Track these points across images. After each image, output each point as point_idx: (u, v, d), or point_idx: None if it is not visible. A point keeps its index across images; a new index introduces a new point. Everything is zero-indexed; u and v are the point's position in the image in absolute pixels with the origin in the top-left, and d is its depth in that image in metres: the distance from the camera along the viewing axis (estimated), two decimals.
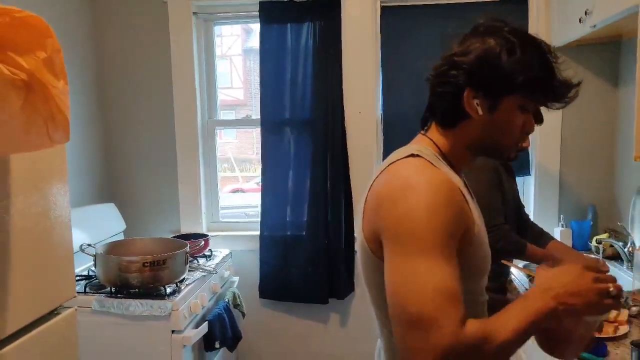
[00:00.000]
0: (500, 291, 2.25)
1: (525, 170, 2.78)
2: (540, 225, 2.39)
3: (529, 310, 0.91)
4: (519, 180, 2.86)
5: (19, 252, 1.02)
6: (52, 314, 1.14)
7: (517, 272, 2.27)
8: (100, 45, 2.96)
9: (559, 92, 1.03)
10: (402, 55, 2.80)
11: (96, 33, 2.94)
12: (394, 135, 2.84)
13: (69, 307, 1.18)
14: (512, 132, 1.06)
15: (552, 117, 2.64)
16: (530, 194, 2.79)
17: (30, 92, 0.83)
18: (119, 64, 2.97)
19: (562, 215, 2.65)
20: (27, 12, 0.85)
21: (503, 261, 2.17)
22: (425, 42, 2.77)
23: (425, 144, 1.09)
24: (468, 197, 1.05)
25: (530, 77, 1.00)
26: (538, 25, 2.65)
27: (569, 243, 2.57)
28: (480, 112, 1.03)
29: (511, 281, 2.22)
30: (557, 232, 2.60)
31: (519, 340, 0.90)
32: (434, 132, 1.11)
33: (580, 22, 2.21)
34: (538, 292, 0.94)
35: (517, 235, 2.13)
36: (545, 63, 1.02)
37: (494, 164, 2.18)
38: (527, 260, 2.18)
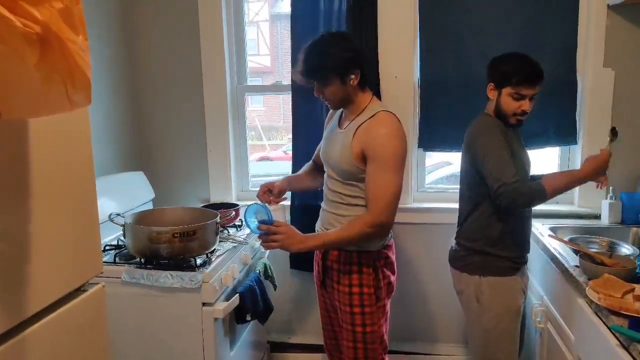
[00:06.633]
0: None
1: (571, 138, 2.61)
2: (587, 198, 2.24)
3: None
4: (563, 149, 2.72)
5: (42, 225, 0.95)
6: (79, 290, 1.07)
7: (562, 247, 2.14)
8: (128, 8, 2.86)
9: None
10: (443, 17, 2.63)
11: None
12: (432, 100, 2.69)
13: (96, 284, 1.11)
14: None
15: (603, 80, 2.46)
16: (577, 164, 2.62)
17: (46, 47, 0.73)
18: (146, 28, 2.88)
19: (611, 187, 2.48)
20: None
21: (549, 235, 2.05)
22: (468, 3, 2.60)
23: None
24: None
25: None
26: None
27: (618, 216, 2.42)
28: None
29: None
30: (605, 205, 2.45)
31: None
32: None
33: None
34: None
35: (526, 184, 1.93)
36: None
37: (501, 127, 2.01)
38: (554, 194, 1.91)
